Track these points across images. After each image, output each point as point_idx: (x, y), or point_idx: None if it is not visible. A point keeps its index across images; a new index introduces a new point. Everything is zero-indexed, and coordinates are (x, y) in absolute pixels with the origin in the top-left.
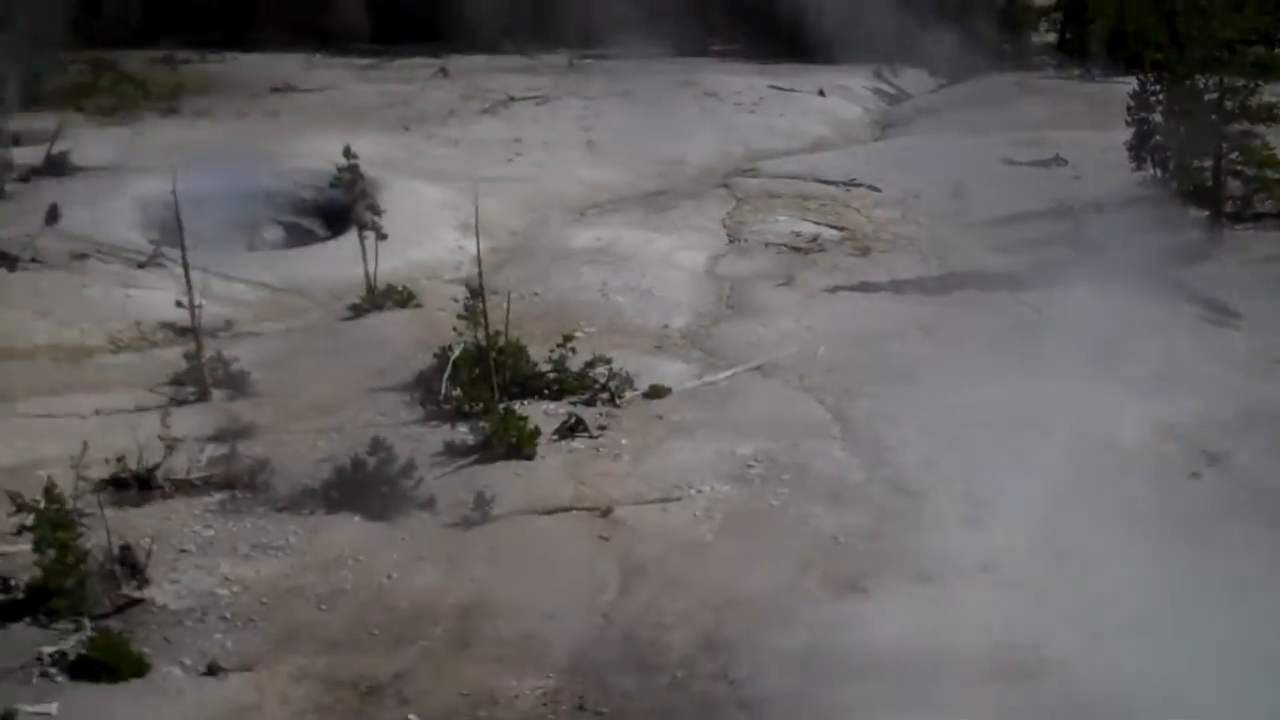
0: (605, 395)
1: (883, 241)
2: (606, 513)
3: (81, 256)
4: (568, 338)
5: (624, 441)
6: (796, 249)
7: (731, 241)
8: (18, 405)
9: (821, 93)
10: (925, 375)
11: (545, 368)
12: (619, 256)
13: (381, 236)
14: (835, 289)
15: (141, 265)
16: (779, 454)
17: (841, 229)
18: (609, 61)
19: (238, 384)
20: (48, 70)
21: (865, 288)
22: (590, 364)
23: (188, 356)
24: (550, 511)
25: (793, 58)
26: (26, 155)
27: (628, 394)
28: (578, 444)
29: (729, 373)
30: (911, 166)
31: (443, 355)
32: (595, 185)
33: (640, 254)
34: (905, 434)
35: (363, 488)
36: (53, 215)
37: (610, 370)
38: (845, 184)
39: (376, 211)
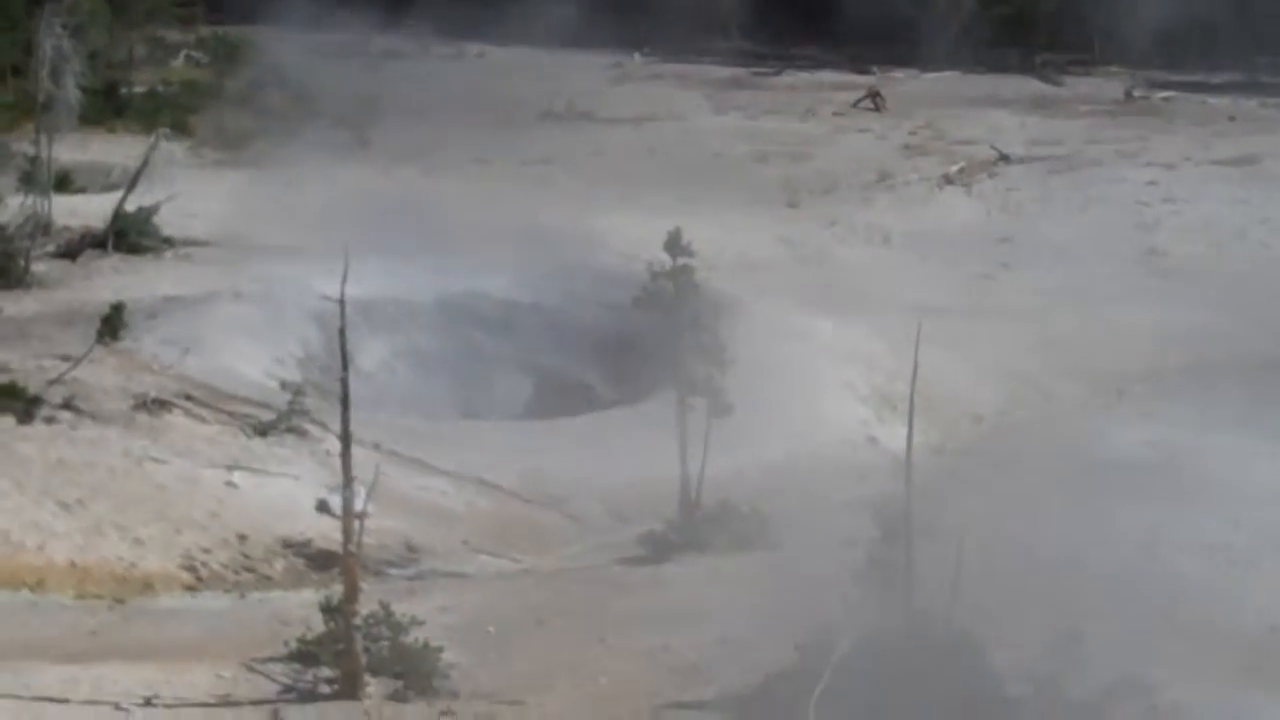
0: None
1: None
2: None
3: (154, 405)
4: (1072, 634)
5: None
6: None
7: None
8: None
9: None
10: None
11: (1020, 688)
12: (1191, 483)
13: (722, 410)
14: None
15: (262, 431)
16: None
17: None
18: (1212, 95)
19: (415, 671)
20: (127, 60)
21: None
22: (1111, 689)
23: (327, 609)
24: None
25: None
26: (82, 209)
27: None
28: None
29: None
30: None
31: (812, 649)
32: (1152, 338)
33: (1236, 481)
34: None
35: None
36: (111, 325)
37: (1151, 706)
38: None
39: (716, 360)
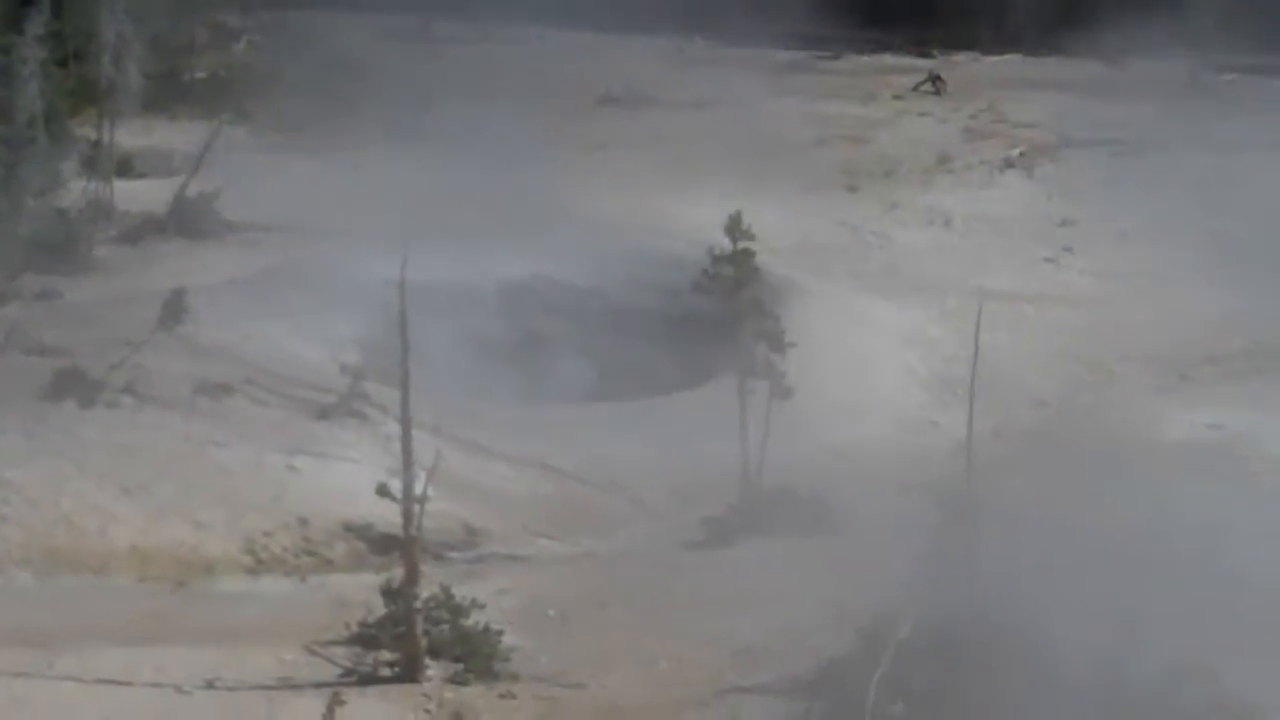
0: None
1: None
2: None
3: (217, 390)
4: (1133, 618)
5: None
6: None
7: None
8: (60, 658)
9: None
10: None
11: (1081, 672)
12: (1254, 466)
13: (782, 394)
14: None
15: (323, 415)
16: None
17: None
18: (1277, 79)
19: (475, 654)
20: (188, 45)
21: None
22: (1173, 673)
23: (387, 593)
24: None
25: None
26: (143, 194)
27: None
28: None
29: None
30: None
31: (874, 632)
32: (1216, 321)
33: None
34: None
35: None
36: (173, 310)
37: (1213, 690)
38: None
39: (777, 343)
